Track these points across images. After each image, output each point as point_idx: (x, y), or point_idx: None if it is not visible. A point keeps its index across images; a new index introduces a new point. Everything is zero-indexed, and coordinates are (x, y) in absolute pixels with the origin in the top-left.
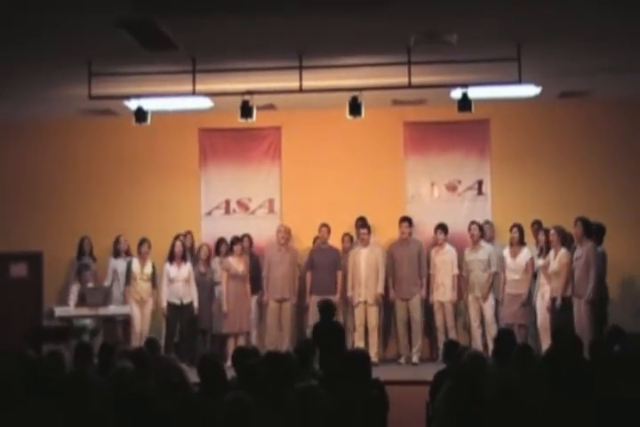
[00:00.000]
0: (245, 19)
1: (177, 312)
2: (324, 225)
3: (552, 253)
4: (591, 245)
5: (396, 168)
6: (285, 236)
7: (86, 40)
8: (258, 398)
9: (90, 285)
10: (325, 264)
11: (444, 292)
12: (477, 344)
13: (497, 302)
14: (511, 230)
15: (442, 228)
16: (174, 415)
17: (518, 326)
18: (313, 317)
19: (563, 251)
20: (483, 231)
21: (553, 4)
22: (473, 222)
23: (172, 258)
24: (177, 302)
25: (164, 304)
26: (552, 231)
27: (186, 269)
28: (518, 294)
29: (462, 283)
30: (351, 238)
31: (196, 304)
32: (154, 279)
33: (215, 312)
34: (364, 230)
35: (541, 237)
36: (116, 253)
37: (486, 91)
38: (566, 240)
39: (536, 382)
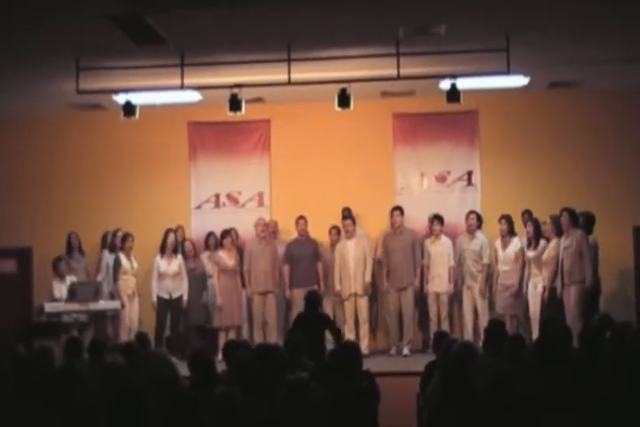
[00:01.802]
0: (234, 12)
1: (167, 306)
2: (302, 217)
3: (544, 242)
4: (580, 233)
5: (386, 160)
6: (265, 229)
7: (74, 35)
8: (249, 391)
9: (71, 278)
10: (305, 256)
11: (439, 283)
12: (469, 335)
13: (491, 294)
14: (500, 222)
15: (438, 218)
16: (165, 409)
17: (510, 317)
18: (297, 310)
19: (554, 242)
20: (481, 221)
21: None
22: (472, 212)
23: (163, 251)
24: (166, 296)
25: (154, 298)
26: (548, 220)
27: (176, 263)
28: (509, 285)
29: (456, 273)
30: (338, 231)
31: (185, 298)
32: None
33: (206, 306)
34: (347, 221)
35: (529, 227)
36: (112, 248)
37: (475, 81)
38: (560, 230)
39: (527, 372)
